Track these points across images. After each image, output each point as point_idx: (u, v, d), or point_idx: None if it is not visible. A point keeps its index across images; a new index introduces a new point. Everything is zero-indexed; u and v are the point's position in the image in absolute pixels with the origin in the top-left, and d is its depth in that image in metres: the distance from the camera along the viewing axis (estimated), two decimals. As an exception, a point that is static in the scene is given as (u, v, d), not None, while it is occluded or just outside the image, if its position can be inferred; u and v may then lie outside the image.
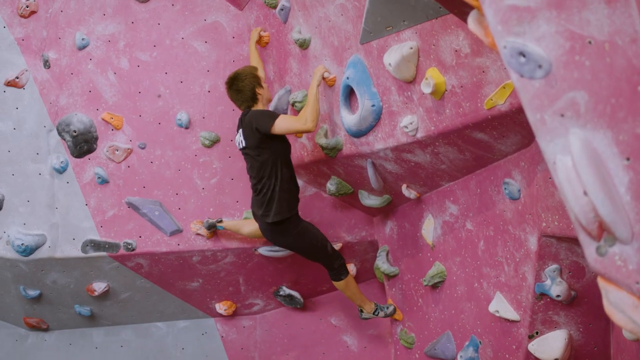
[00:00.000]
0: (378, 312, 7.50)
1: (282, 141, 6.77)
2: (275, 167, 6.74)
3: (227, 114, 7.85)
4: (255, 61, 7.40)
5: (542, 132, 2.18)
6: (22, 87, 7.88)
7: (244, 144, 6.81)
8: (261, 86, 6.86)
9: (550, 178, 4.89)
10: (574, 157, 2.09)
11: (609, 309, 2.25)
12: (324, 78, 6.69)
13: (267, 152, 6.70)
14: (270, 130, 6.52)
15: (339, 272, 7.26)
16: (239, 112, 7.29)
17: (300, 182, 7.87)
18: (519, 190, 5.31)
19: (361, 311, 7.54)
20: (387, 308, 7.52)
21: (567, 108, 2.10)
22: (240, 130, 6.86)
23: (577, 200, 2.12)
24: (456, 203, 6.23)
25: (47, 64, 7.88)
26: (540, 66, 2.13)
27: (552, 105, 2.12)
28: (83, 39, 7.89)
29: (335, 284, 7.35)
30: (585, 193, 2.09)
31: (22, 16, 7.88)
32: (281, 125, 6.53)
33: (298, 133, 7.16)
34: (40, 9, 7.92)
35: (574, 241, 4.94)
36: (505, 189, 5.45)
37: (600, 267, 2.17)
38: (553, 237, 5.04)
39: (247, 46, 8.02)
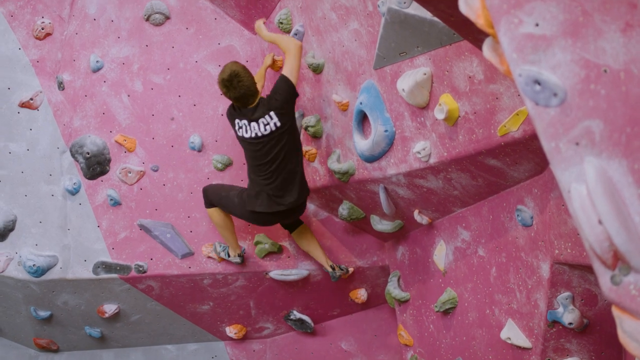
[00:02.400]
0: (343, 268, 7.74)
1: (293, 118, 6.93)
2: (298, 142, 6.98)
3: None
4: (259, 79, 7.40)
5: (556, 160, 2.17)
6: (36, 108, 7.93)
7: (277, 125, 6.73)
8: (252, 75, 6.83)
9: (563, 205, 4.88)
10: (589, 185, 2.08)
11: (623, 338, 2.24)
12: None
13: (291, 127, 6.85)
14: (295, 84, 6.76)
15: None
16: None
17: (311, 207, 7.90)
18: (532, 217, 5.29)
19: (333, 268, 7.68)
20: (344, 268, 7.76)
21: (582, 136, 2.10)
22: (272, 113, 6.71)
23: (591, 229, 2.11)
24: (468, 229, 6.22)
25: (61, 85, 7.93)
26: (555, 94, 2.13)
27: (567, 134, 2.12)
28: (97, 61, 7.94)
29: (299, 230, 7.70)
30: (600, 222, 2.08)
31: (37, 38, 7.94)
32: (292, 73, 6.77)
33: (299, 58, 6.88)
34: (56, 31, 7.98)
35: (587, 269, 4.92)
36: (517, 215, 5.44)
37: (614, 296, 2.16)
38: (565, 264, 5.02)
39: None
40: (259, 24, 7.50)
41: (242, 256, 7.75)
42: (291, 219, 7.41)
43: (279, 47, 7.03)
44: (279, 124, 6.74)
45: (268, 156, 6.80)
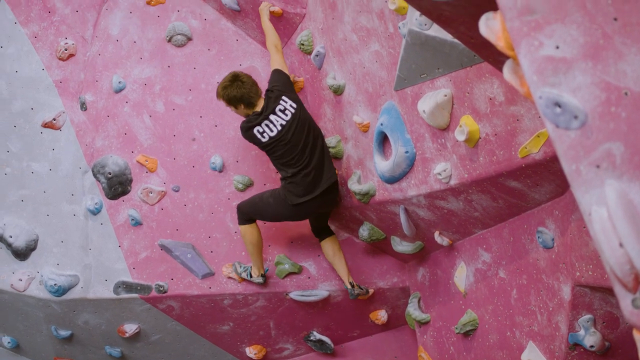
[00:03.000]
0: (363, 288, 7.73)
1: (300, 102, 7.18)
2: (313, 121, 7.18)
3: (260, 158, 7.89)
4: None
5: (577, 183, 2.17)
6: (59, 128, 7.99)
7: (294, 107, 6.98)
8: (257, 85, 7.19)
9: (584, 227, 4.85)
10: (610, 208, 2.08)
11: (644, 361, 2.23)
12: (271, 11, 7.56)
13: (304, 109, 7.11)
14: (286, 71, 7.20)
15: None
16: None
17: (332, 227, 7.90)
18: (553, 239, 5.27)
19: (352, 286, 7.66)
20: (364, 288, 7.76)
21: (603, 159, 2.09)
22: (283, 99, 6.98)
23: (612, 251, 2.10)
24: (489, 251, 6.20)
25: (84, 106, 7.99)
26: (576, 117, 2.13)
27: (588, 156, 2.12)
28: (120, 82, 8.00)
29: (325, 241, 7.77)
30: (621, 245, 2.08)
31: (60, 59, 8.02)
32: (283, 66, 7.23)
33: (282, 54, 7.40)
34: (79, 52, 8.05)
35: (608, 291, 4.89)
36: (538, 237, 5.42)
37: (636, 319, 2.15)
38: (587, 286, 4.99)
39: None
40: (265, 6, 7.57)
41: (265, 276, 7.75)
42: (330, 206, 7.41)
43: (266, 38, 7.37)
44: (294, 105, 6.96)
45: (299, 144, 6.94)
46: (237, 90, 6.95)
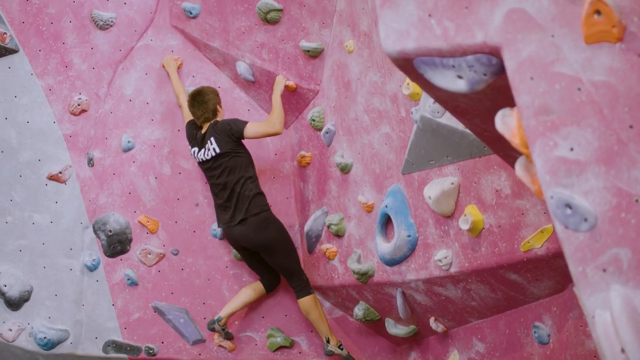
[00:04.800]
0: (343, 348, 7.57)
1: (246, 149, 7.48)
2: (249, 168, 7.43)
3: (262, 228, 7.88)
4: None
5: (583, 285, 2.18)
6: (64, 182, 8.01)
7: (217, 151, 7.33)
8: (220, 105, 7.62)
9: (581, 326, 4.84)
10: (614, 313, 2.09)
11: None
12: (286, 85, 7.65)
13: (241, 155, 7.40)
14: (244, 132, 7.28)
15: (308, 285, 7.56)
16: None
17: (327, 304, 7.87)
18: (549, 335, 5.25)
19: (328, 342, 7.53)
20: (344, 350, 7.62)
21: (610, 264, 2.11)
22: (212, 139, 7.34)
23: (614, 356, 2.11)
24: (483, 341, 6.16)
25: (91, 162, 8.02)
26: (585, 219, 2.15)
27: (595, 260, 2.13)
28: (129, 141, 8.04)
29: (305, 300, 7.51)
30: (622, 350, 2.08)
31: (72, 113, 8.07)
32: (253, 128, 7.31)
33: (265, 136, 7.50)
34: (91, 108, 8.11)
35: (602, 393, 4.84)
36: (534, 332, 5.40)
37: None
38: (580, 387, 4.96)
39: (287, 164, 8.14)
40: (281, 80, 7.70)
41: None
42: (255, 239, 7.36)
43: (272, 111, 7.48)
44: (217, 150, 7.34)
45: (223, 177, 7.41)
46: (196, 108, 7.49)
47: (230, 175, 7.31)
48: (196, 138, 7.51)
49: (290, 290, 7.86)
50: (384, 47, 2.83)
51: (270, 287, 7.76)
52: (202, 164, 7.49)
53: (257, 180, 7.46)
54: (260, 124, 7.42)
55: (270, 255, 7.48)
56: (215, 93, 7.59)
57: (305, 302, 7.49)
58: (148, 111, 8.15)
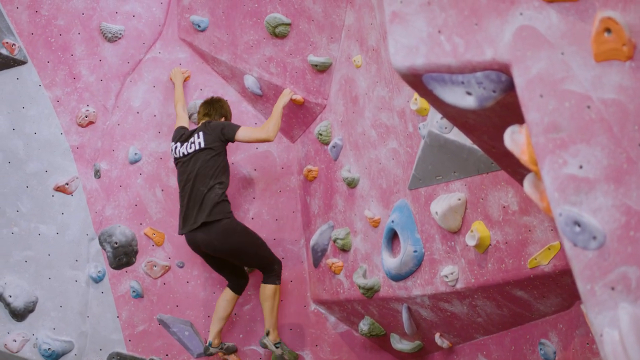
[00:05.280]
0: (280, 346, 7.57)
1: (226, 157, 7.48)
2: (223, 174, 7.37)
3: (268, 241, 7.89)
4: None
5: (591, 303, 2.17)
6: (70, 193, 8.02)
7: (201, 146, 7.33)
8: (230, 118, 7.79)
9: (587, 343, 4.83)
10: (622, 331, 2.08)
11: None
12: (293, 99, 7.71)
13: (221, 158, 7.38)
14: (235, 136, 7.29)
15: (277, 276, 7.57)
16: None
17: (332, 319, 7.87)
18: (555, 353, 5.23)
19: (267, 334, 7.56)
20: (288, 352, 7.63)
21: (618, 282, 2.10)
22: (200, 134, 7.37)
23: (622, 375, 2.10)
24: (489, 358, 6.14)
25: (97, 173, 8.03)
26: (594, 237, 2.15)
27: (604, 278, 2.13)
28: (136, 153, 8.06)
29: (269, 287, 7.52)
30: (630, 369, 2.08)
31: (80, 125, 8.08)
32: (245, 132, 7.33)
33: (257, 142, 7.49)
34: (99, 120, 8.13)
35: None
36: (540, 349, 5.38)
37: None
38: (586, 405, 4.94)
39: (294, 178, 8.15)
40: (288, 93, 7.73)
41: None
42: (220, 245, 7.29)
43: (270, 118, 7.50)
44: (202, 145, 7.36)
45: (200, 175, 7.36)
46: (208, 106, 7.73)
47: (202, 172, 7.27)
48: (182, 135, 7.57)
49: (295, 303, 7.88)
50: (393, 62, 2.83)
51: (240, 289, 7.71)
52: (179, 159, 7.50)
53: (227, 189, 7.38)
54: (254, 129, 7.44)
55: (239, 259, 7.53)
56: (228, 106, 7.79)
57: (269, 289, 7.52)
58: (155, 124, 8.17)
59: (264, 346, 7.59)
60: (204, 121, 7.54)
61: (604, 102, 2.21)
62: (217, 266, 7.64)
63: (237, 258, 7.48)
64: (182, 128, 7.69)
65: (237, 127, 7.34)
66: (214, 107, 7.62)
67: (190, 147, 7.37)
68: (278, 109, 7.52)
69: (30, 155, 8.02)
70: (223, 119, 7.60)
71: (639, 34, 2.17)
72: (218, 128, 7.33)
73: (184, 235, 7.44)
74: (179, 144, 7.51)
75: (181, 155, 7.45)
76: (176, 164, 7.59)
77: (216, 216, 7.18)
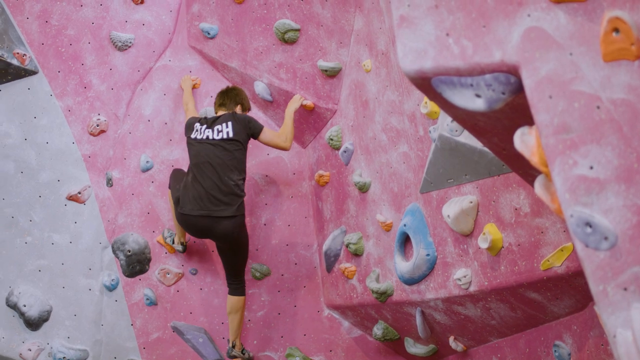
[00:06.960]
0: (246, 352, 7.73)
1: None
2: (245, 168, 7.37)
3: (280, 247, 7.90)
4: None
5: (604, 303, 2.17)
6: (83, 202, 8.05)
7: (230, 135, 7.25)
8: (247, 109, 7.68)
9: (602, 345, 4.80)
10: (636, 332, 2.07)
11: None
12: (303, 105, 7.73)
13: (244, 155, 7.37)
14: (260, 133, 7.34)
15: (245, 288, 7.67)
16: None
17: (346, 324, 7.85)
18: (569, 354, 5.21)
19: (233, 347, 7.64)
20: (246, 353, 7.78)
21: (631, 282, 2.09)
22: (229, 123, 7.28)
23: (636, 376, 2.09)
24: (503, 361, 6.14)
25: (109, 182, 8.06)
26: (606, 238, 2.14)
27: (616, 278, 2.12)
28: (148, 161, 8.08)
29: (239, 299, 7.59)
30: (644, 370, 2.07)
31: (91, 134, 8.11)
32: (269, 134, 7.39)
33: (275, 147, 7.49)
34: (110, 129, 8.15)
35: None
36: (555, 351, 5.36)
37: None
38: (601, 406, 4.92)
39: (305, 183, 8.15)
40: (298, 99, 7.77)
41: (185, 245, 7.85)
42: (235, 236, 7.30)
43: (283, 124, 7.55)
44: (230, 134, 7.26)
45: (224, 165, 7.25)
46: (224, 95, 7.63)
47: (229, 163, 7.20)
48: (205, 118, 7.48)
49: (309, 309, 7.88)
50: (402, 66, 2.83)
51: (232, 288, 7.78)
52: (201, 141, 7.34)
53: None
54: (276, 133, 7.42)
55: (234, 254, 7.50)
56: (245, 96, 7.72)
57: (239, 301, 7.58)
58: (166, 131, 8.19)
59: (233, 357, 7.68)
60: (228, 112, 7.44)
61: (613, 102, 2.20)
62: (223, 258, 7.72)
63: (235, 252, 7.47)
64: (198, 118, 7.59)
65: (262, 126, 7.36)
66: (228, 96, 7.56)
67: (218, 134, 7.26)
68: (289, 115, 7.54)
69: (43, 165, 8.06)
70: (239, 107, 7.56)
71: (648, 33, 2.17)
72: (245, 120, 7.30)
73: (184, 217, 7.33)
74: (204, 126, 7.37)
75: (205, 137, 7.30)
76: (192, 142, 7.40)
77: (242, 211, 7.24)
